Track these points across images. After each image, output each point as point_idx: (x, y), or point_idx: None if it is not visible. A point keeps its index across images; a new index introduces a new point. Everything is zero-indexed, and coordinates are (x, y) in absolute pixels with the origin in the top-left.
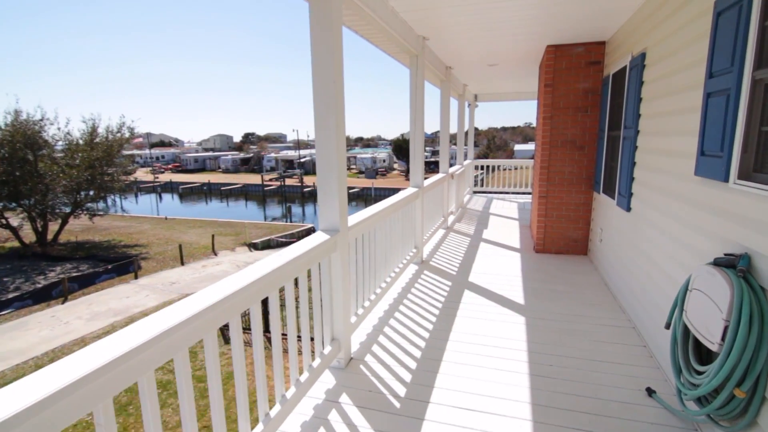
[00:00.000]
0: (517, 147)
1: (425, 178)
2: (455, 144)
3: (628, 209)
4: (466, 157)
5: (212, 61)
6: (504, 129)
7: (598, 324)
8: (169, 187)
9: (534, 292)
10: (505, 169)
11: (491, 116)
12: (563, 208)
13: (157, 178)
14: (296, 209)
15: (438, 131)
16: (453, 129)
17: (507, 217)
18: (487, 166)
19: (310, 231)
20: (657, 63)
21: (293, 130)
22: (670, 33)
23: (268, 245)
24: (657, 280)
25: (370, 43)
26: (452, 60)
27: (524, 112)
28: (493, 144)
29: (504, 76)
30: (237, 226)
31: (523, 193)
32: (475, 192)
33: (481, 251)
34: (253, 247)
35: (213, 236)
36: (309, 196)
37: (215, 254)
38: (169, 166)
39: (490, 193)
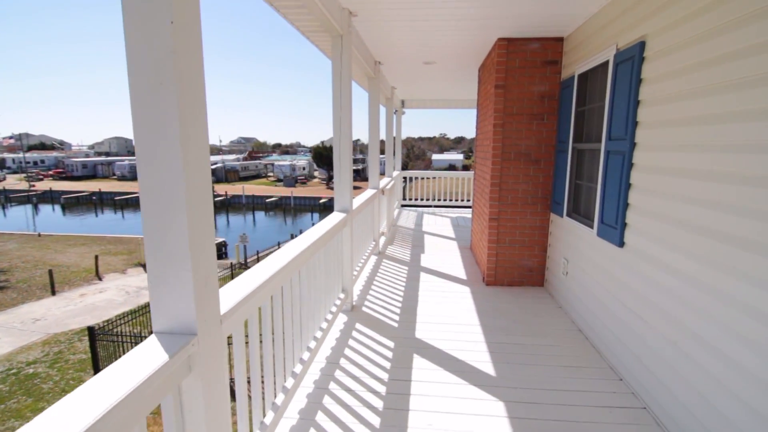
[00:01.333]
0: (435, 157)
1: (354, 196)
2: (382, 153)
3: (621, 244)
4: (394, 167)
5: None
6: (421, 139)
7: (594, 401)
8: (49, 197)
9: (501, 352)
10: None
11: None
12: (517, 233)
13: (34, 186)
14: None
15: (359, 139)
16: (380, 137)
17: (443, 237)
18: (408, 177)
19: (220, 246)
20: (668, 54)
21: None
22: (692, 12)
23: None
24: (669, 335)
25: (283, 18)
26: (383, 53)
27: (439, 123)
28: (412, 153)
29: (438, 78)
30: (131, 243)
31: (454, 207)
32: (403, 206)
33: (424, 285)
34: None
35: (96, 257)
36: (220, 206)
37: (99, 278)
38: (50, 173)
39: (419, 206)
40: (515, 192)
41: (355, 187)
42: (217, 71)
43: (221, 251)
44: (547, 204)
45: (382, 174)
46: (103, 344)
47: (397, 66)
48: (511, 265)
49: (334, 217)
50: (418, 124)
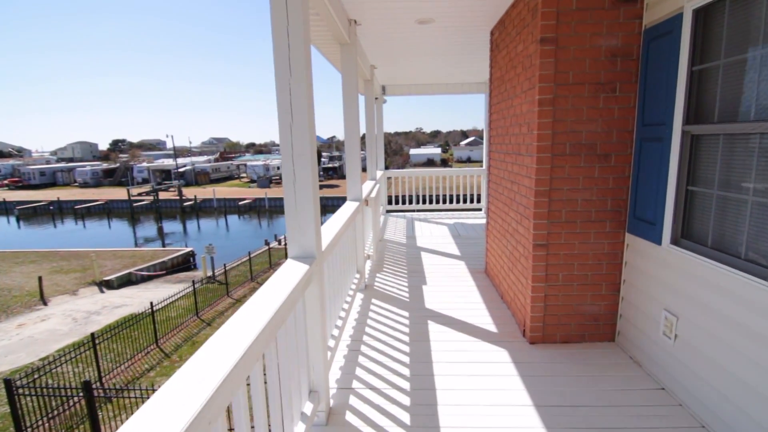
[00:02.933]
0: (413, 151)
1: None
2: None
3: None
4: (377, 166)
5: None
6: (398, 134)
7: None
8: (3, 208)
9: None
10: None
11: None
12: (575, 264)
13: None
14: (176, 226)
15: (334, 136)
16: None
17: (446, 255)
18: (394, 177)
19: (187, 257)
20: None
21: (166, 136)
22: None
23: (128, 281)
24: None
25: None
26: (361, 4)
27: (415, 117)
28: (389, 149)
29: (433, 48)
30: (87, 258)
31: (450, 210)
32: (388, 211)
33: (437, 347)
34: (107, 285)
35: (40, 278)
36: (190, 211)
37: (44, 303)
38: (5, 182)
39: (406, 211)
40: (572, 204)
41: (331, 186)
42: (187, 72)
43: (189, 261)
44: (620, 221)
45: (364, 170)
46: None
47: (380, 27)
48: (567, 312)
49: (290, 274)
50: (393, 119)
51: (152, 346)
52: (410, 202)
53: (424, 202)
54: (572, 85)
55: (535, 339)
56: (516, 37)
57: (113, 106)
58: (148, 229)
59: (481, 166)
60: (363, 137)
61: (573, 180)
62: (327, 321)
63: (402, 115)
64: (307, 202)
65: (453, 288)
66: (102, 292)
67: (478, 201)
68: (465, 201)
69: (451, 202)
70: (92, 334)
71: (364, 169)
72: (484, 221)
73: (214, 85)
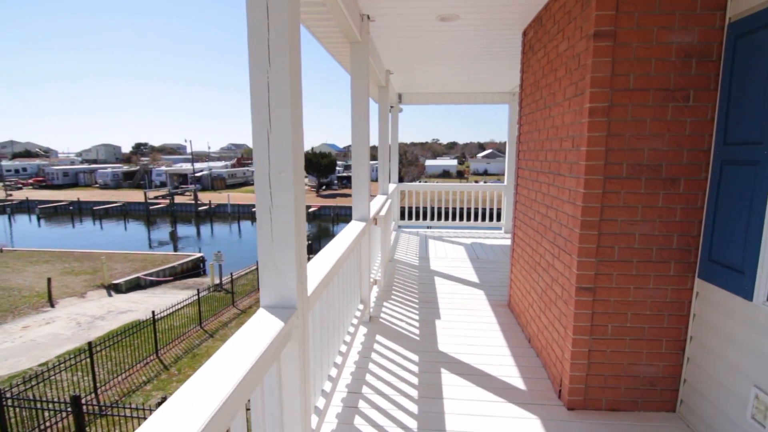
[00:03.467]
0: (428, 162)
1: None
2: (374, 159)
3: None
4: (389, 179)
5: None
6: (414, 144)
7: None
8: (26, 207)
9: None
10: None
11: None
12: (628, 315)
13: (11, 195)
14: (190, 230)
15: (350, 145)
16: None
17: (463, 282)
18: (408, 192)
19: (197, 263)
20: None
21: (185, 140)
22: None
23: (137, 285)
24: None
25: None
26: None
27: (431, 128)
28: (405, 159)
29: (455, 51)
30: (99, 260)
31: (467, 228)
32: (399, 227)
33: (454, 417)
34: (115, 289)
35: (49, 280)
36: (205, 216)
37: (52, 305)
38: (30, 181)
39: (419, 227)
40: (628, 239)
41: (345, 195)
42: (207, 78)
43: (199, 267)
44: (689, 263)
45: (375, 181)
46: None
47: (397, 23)
48: (616, 373)
49: (254, 340)
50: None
51: (152, 356)
52: (424, 217)
53: (439, 217)
54: (633, 92)
55: (575, 404)
56: (558, 34)
57: (138, 109)
58: (163, 232)
59: (501, 181)
60: (375, 147)
61: (630, 209)
62: (312, 388)
63: (418, 125)
64: (288, 234)
65: (471, 325)
66: (110, 295)
67: (498, 218)
68: (484, 218)
69: (468, 218)
70: (89, 344)
71: (375, 180)
72: (504, 242)
73: (235, 91)
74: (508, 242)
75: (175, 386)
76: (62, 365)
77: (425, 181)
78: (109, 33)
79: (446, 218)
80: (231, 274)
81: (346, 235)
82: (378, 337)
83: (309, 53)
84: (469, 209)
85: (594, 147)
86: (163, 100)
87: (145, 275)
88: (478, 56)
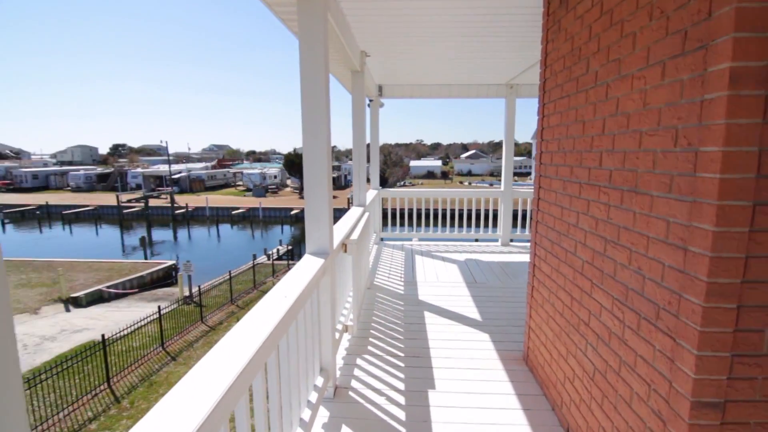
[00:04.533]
0: (413, 163)
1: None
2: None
3: None
4: (368, 185)
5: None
6: (398, 145)
7: None
8: None
9: None
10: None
11: (383, 131)
12: None
13: None
14: (166, 235)
15: (334, 146)
16: (339, 140)
17: (459, 320)
18: (383, 185)
19: (169, 271)
20: None
21: (160, 141)
22: None
23: (99, 298)
24: None
25: None
26: None
27: (415, 129)
28: (390, 160)
29: (447, 31)
30: (64, 268)
31: (454, 239)
32: (382, 239)
33: None
34: (74, 303)
35: None
36: (182, 220)
37: None
38: None
39: (404, 239)
40: None
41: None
42: (189, 79)
43: (171, 276)
44: None
45: (342, 187)
46: None
47: None
48: None
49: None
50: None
51: (103, 386)
52: (410, 222)
53: (427, 222)
54: None
55: None
56: None
57: (116, 111)
58: (137, 237)
59: (485, 182)
60: (364, 148)
61: None
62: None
63: (402, 125)
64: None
65: (477, 400)
66: (67, 311)
67: (494, 226)
68: (478, 225)
69: (460, 226)
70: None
71: (351, 184)
72: (503, 258)
73: (216, 93)
74: (508, 258)
75: (125, 424)
76: None
77: (410, 183)
78: (89, 36)
79: (435, 225)
80: (199, 286)
81: (293, 282)
82: (345, 430)
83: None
84: (461, 217)
85: (736, 146)
86: (141, 102)
87: (107, 287)
88: (475, 32)
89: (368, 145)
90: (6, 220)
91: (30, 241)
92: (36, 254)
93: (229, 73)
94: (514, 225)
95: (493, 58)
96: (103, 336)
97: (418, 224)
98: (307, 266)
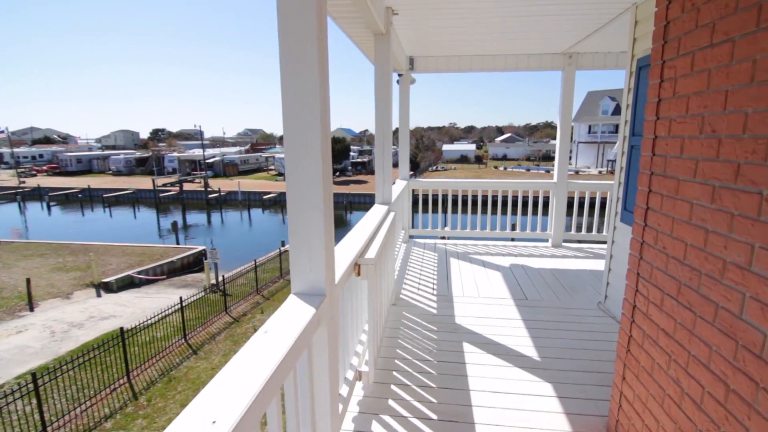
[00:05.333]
0: (446, 147)
1: None
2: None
3: None
4: (396, 177)
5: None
6: (431, 128)
7: None
8: (38, 195)
9: None
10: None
11: (415, 114)
12: None
13: (24, 182)
14: (200, 218)
15: (366, 130)
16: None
17: (511, 359)
18: (414, 170)
19: (200, 256)
20: None
21: (194, 125)
22: None
23: (130, 283)
24: None
25: None
26: None
27: (447, 112)
28: (422, 144)
29: None
30: (96, 252)
31: (496, 237)
32: (411, 237)
33: None
34: (105, 288)
35: (28, 280)
36: (215, 204)
37: (31, 308)
38: (44, 168)
39: (433, 237)
40: None
41: (359, 182)
42: (224, 63)
43: (201, 261)
44: None
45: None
46: None
47: None
48: None
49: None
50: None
51: (123, 379)
52: (443, 218)
53: (463, 215)
54: None
55: None
56: None
57: (156, 94)
58: (173, 220)
59: (522, 167)
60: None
61: None
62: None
63: (433, 108)
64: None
65: None
66: (98, 296)
67: (543, 226)
68: (525, 222)
69: (503, 222)
70: (33, 374)
71: (396, 165)
72: (556, 264)
73: (251, 77)
74: (562, 265)
75: (140, 424)
76: (18, 392)
77: (443, 168)
78: (129, 21)
79: (474, 221)
80: (223, 276)
81: (263, 351)
82: None
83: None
84: (504, 211)
85: None
86: (182, 86)
87: (137, 273)
88: None
89: (396, 129)
90: (52, 203)
91: (72, 224)
92: (76, 237)
93: (262, 55)
94: (568, 223)
95: (553, 15)
96: (121, 329)
97: (454, 220)
98: (289, 320)
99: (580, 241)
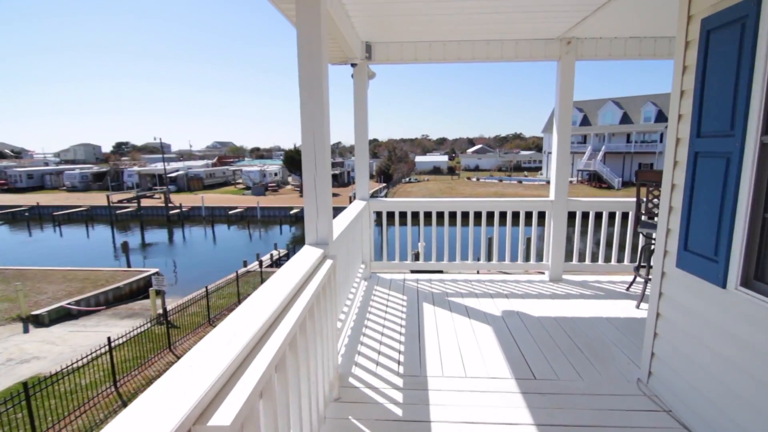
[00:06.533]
0: (418, 158)
1: None
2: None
3: None
4: (354, 194)
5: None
6: (403, 140)
7: None
8: None
9: None
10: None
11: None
12: None
13: None
14: (161, 236)
15: (339, 142)
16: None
17: None
18: (387, 182)
19: (149, 280)
20: None
21: (153, 138)
22: None
23: (66, 314)
24: None
25: None
26: None
27: (419, 124)
28: (395, 156)
29: None
30: (34, 278)
31: (478, 269)
32: (372, 273)
33: None
34: (35, 321)
35: None
36: (177, 220)
37: None
38: None
39: (402, 269)
40: None
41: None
42: (190, 76)
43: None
44: None
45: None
46: None
47: None
48: None
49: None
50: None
51: None
52: (412, 244)
53: (439, 221)
54: None
55: None
56: None
57: (119, 109)
58: (132, 238)
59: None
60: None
61: None
62: None
63: (406, 120)
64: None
65: None
66: (25, 331)
67: (538, 255)
68: (514, 248)
69: (488, 250)
70: None
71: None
72: (560, 308)
73: (219, 90)
74: (570, 309)
75: None
76: None
77: (416, 180)
78: (91, 34)
79: (450, 247)
80: (164, 308)
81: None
82: None
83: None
84: (488, 235)
85: None
86: (148, 101)
87: (74, 302)
88: None
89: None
90: None
91: (16, 245)
92: (18, 259)
93: (231, 69)
94: (568, 253)
95: None
96: (25, 384)
97: (427, 249)
98: None
99: (586, 273)
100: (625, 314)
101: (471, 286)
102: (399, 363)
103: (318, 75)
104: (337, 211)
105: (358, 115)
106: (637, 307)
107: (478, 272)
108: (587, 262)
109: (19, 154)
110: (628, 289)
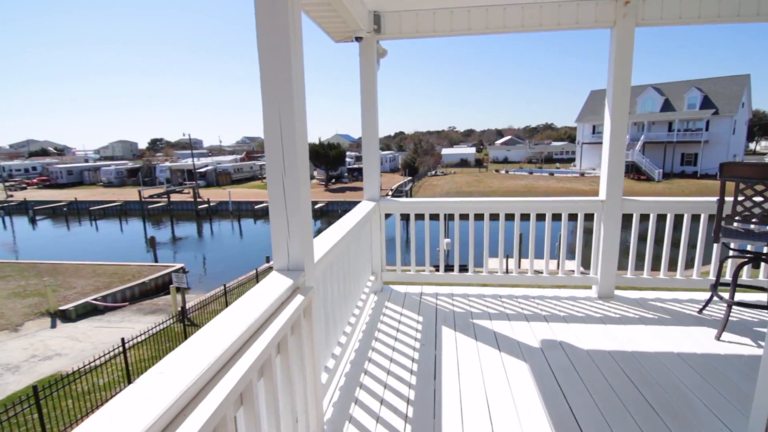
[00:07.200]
0: (445, 151)
1: None
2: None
3: None
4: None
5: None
6: (429, 133)
7: None
8: (24, 209)
9: None
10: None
11: (414, 119)
12: None
13: (11, 196)
14: (191, 230)
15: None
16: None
17: None
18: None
19: (171, 276)
20: None
21: (183, 134)
22: None
23: (93, 309)
24: None
25: None
26: None
27: (446, 115)
28: (420, 148)
29: None
30: (65, 273)
31: (514, 287)
32: (384, 284)
33: None
34: (62, 316)
35: None
36: (205, 215)
37: None
38: (34, 181)
39: (417, 284)
40: None
41: (355, 189)
42: (222, 73)
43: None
44: None
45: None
46: None
47: None
48: None
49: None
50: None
51: None
52: (431, 252)
53: (462, 248)
54: None
55: None
56: None
57: (155, 105)
58: (163, 233)
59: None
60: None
61: None
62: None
63: (433, 112)
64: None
65: None
66: (53, 326)
67: (585, 265)
68: (550, 260)
69: (518, 257)
70: None
71: (390, 171)
72: (616, 335)
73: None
74: (628, 339)
75: None
76: None
77: (442, 173)
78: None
79: (476, 254)
80: (183, 306)
81: None
82: None
83: (322, 45)
84: (521, 239)
85: None
86: (183, 96)
87: (102, 297)
88: None
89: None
90: (38, 217)
91: (57, 238)
92: (58, 252)
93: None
94: (622, 261)
95: None
96: (35, 388)
97: (451, 254)
98: None
99: (645, 289)
100: (702, 348)
101: (501, 304)
102: (406, 419)
103: (284, 25)
104: (349, 207)
105: (366, 101)
106: (717, 338)
107: (505, 273)
108: (645, 275)
109: (62, 151)
110: (701, 311)
